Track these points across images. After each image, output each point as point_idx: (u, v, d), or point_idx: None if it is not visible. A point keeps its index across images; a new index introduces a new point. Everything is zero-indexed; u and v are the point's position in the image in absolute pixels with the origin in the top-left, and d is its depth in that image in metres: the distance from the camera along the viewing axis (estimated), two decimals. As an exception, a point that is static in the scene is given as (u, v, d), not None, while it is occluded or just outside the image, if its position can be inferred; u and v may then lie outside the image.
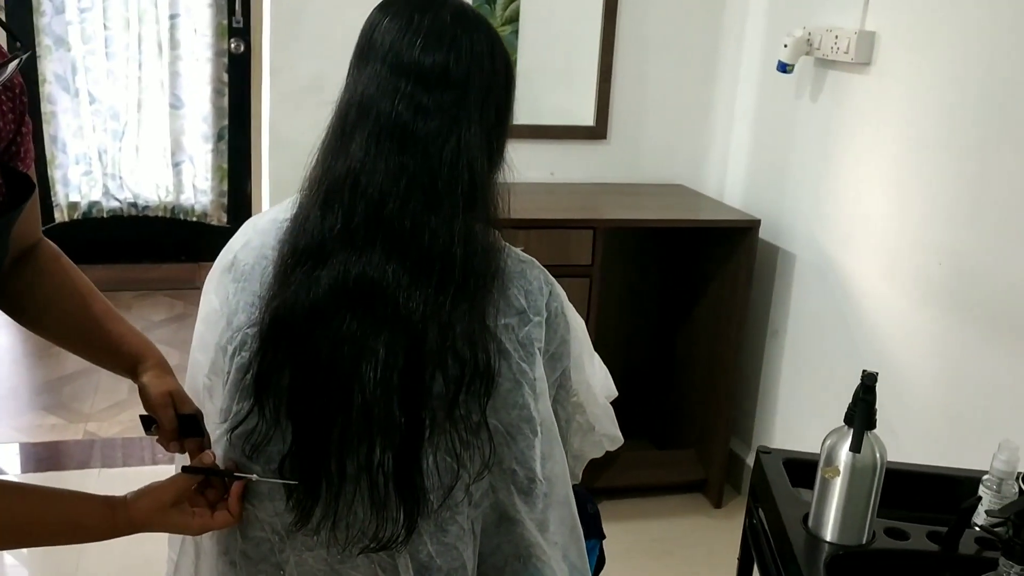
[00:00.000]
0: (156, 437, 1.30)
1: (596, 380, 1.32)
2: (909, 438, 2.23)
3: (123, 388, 3.49)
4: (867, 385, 1.11)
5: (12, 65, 0.88)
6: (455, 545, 1.16)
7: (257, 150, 4.72)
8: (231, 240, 1.29)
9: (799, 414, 2.81)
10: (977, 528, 1.25)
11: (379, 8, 1.19)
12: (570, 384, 1.27)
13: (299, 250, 1.14)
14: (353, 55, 1.20)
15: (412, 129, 1.12)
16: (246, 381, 1.16)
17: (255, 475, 1.14)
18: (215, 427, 1.22)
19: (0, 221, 1.00)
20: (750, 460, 3.02)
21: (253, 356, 1.15)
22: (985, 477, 1.31)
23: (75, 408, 3.34)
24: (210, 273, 1.30)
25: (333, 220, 1.12)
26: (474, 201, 1.14)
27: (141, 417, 1.31)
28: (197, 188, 4.69)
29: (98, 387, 3.48)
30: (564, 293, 1.25)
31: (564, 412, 1.28)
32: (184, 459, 1.28)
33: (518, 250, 1.23)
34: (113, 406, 3.38)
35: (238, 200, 4.75)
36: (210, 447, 1.24)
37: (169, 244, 4.76)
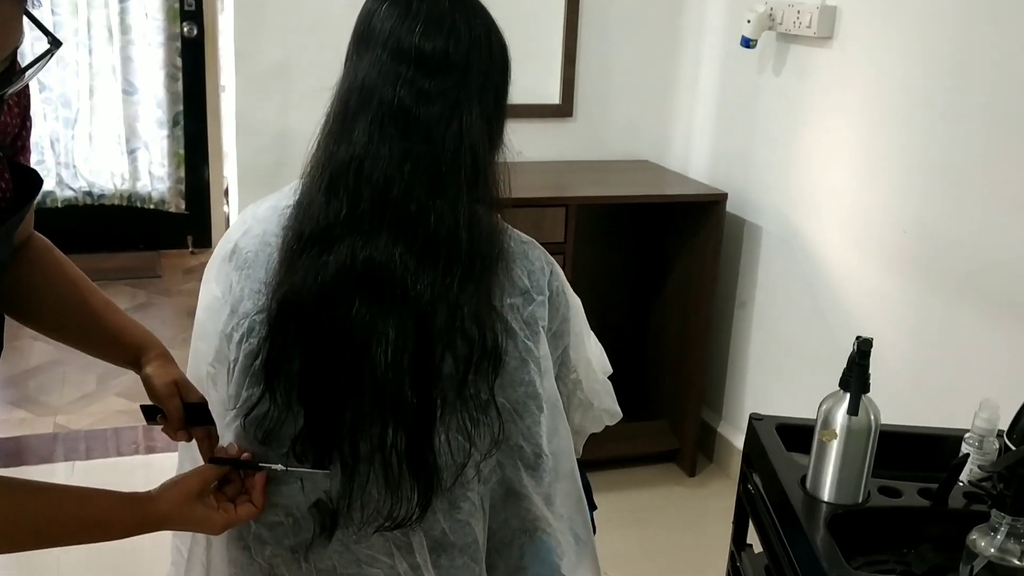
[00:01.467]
0: (161, 427, 1.30)
1: (594, 356, 1.36)
2: (878, 402, 2.30)
3: (91, 380, 3.46)
4: (863, 351, 1.16)
5: (45, 59, 0.88)
6: (468, 521, 1.18)
7: (215, 135, 4.69)
8: (229, 229, 1.29)
9: (768, 383, 2.88)
10: (963, 484, 1.30)
11: (375, -6, 1.20)
12: (571, 361, 1.30)
13: (304, 236, 1.15)
14: (351, 41, 1.20)
15: (414, 114, 1.13)
16: (255, 367, 1.17)
17: (280, 465, 1.14)
18: (222, 415, 1.23)
19: (11, 219, 0.99)
20: (721, 429, 3.09)
21: (262, 342, 1.16)
22: (967, 435, 1.36)
23: (43, 401, 3.30)
24: (210, 262, 1.30)
25: (338, 205, 1.13)
26: (476, 184, 1.16)
27: (144, 407, 1.31)
28: (153, 175, 4.63)
29: (65, 380, 3.44)
30: (562, 272, 1.28)
31: (565, 389, 1.31)
32: (192, 447, 1.28)
33: (518, 231, 1.26)
34: (82, 398, 3.34)
35: (196, 186, 4.70)
36: (217, 435, 1.25)
37: (127, 233, 4.70)
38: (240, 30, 2.72)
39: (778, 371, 2.82)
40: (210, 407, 1.27)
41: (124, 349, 1.30)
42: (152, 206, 4.66)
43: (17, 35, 0.81)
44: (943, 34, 2.13)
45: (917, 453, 1.46)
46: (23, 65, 0.89)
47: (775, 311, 2.81)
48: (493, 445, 1.17)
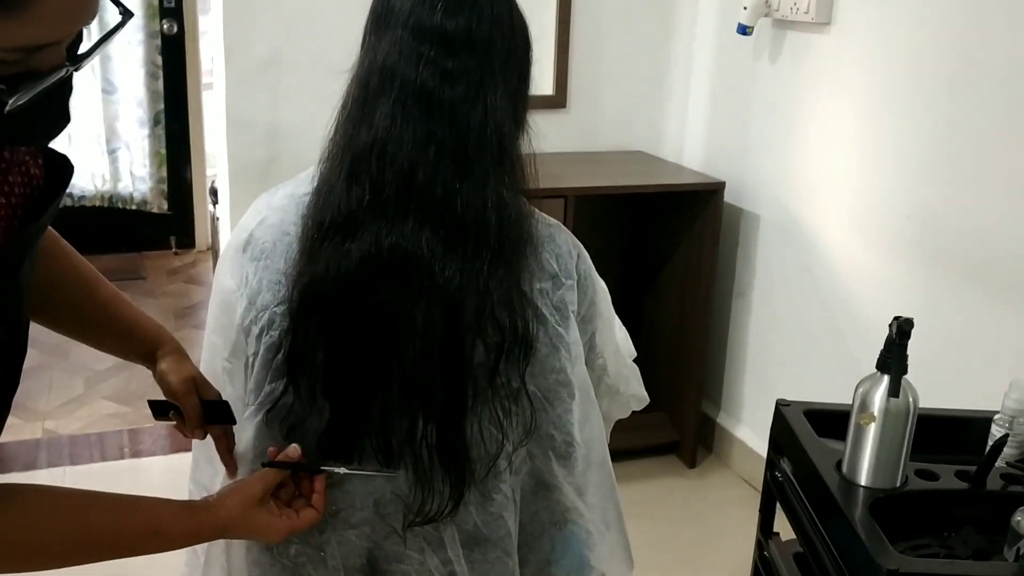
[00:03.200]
0: (173, 423, 1.26)
1: (620, 341, 1.33)
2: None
3: (78, 384, 3.39)
4: (903, 331, 1.14)
5: (118, 31, 0.84)
6: (500, 514, 1.15)
7: (197, 134, 4.62)
8: (243, 219, 1.25)
9: (768, 373, 2.87)
10: (997, 465, 1.29)
11: (393, -26, 1.16)
12: (598, 346, 1.27)
13: (326, 224, 1.11)
14: (368, 22, 1.16)
15: (438, 95, 1.10)
16: (278, 360, 1.13)
17: (343, 468, 1.09)
18: (240, 410, 1.19)
19: (47, 208, 0.94)
20: (721, 420, 3.08)
21: (283, 334, 1.12)
22: (996, 416, 1.35)
23: (30, 407, 3.23)
24: (222, 255, 1.26)
25: (361, 191, 1.10)
26: (503, 166, 1.13)
27: (153, 403, 1.26)
28: (135, 175, 4.55)
29: (52, 384, 3.37)
30: (588, 256, 1.25)
31: (592, 375, 1.27)
32: (206, 445, 1.24)
33: (544, 214, 1.22)
34: (69, 402, 3.27)
35: (178, 186, 4.63)
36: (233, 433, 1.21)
37: (109, 234, 4.61)
38: (229, 24, 2.66)
39: (778, 361, 2.81)
40: (232, 404, 1.22)
41: (137, 343, 1.25)
42: (134, 207, 4.58)
43: (97, 7, 0.77)
44: (942, 17, 2.12)
45: (944, 436, 1.44)
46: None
47: (774, 300, 2.79)
48: (525, 435, 1.14)
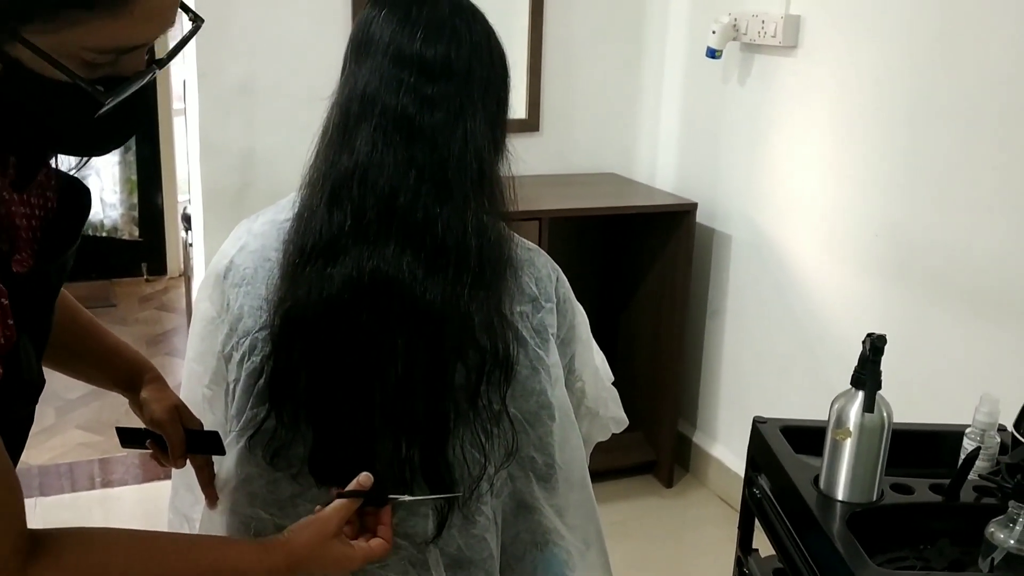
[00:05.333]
0: (148, 452, 1.25)
1: (599, 364, 1.34)
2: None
3: (49, 414, 3.35)
4: (876, 347, 1.16)
5: (191, 38, 0.86)
6: (483, 536, 1.16)
7: (168, 160, 4.60)
8: (223, 246, 1.26)
9: (742, 391, 2.89)
10: (970, 478, 1.31)
11: (373, 2, 1.18)
12: (577, 369, 1.28)
13: (307, 249, 1.12)
14: (348, 50, 1.18)
15: (419, 121, 1.11)
16: (260, 386, 1.13)
17: (407, 496, 1.08)
18: (222, 436, 1.19)
19: (69, 244, 0.92)
20: (697, 439, 3.10)
21: (265, 360, 1.13)
22: (968, 430, 1.37)
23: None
24: (202, 282, 1.26)
25: (342, 216, 1.11)
26: (483, 191, 1.14)
27: (124, 430, 1.25)
28: (106, 202, 4.53)
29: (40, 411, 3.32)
30: (567, 279, 1.26)
31: (572, 397, 1.29)
32: (185, 474, 1.24)
33: (523, 238, 1.24)
34: (40, 432, 3.23)
35: (149, 212, 4.61)
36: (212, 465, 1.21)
37: (79, 261, 4.53)
38: (202, 49, 2.67)
39: (753, 378, 2.83)
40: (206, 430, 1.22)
41: (116, 371, 1.24)
42: (105, 233, 4.55)
43: (175, 15, 0.79)
44: (905, 39, 2.17)
45: (917, 450, 1.46)
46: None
47: (747, 319, 2.83)
48: (507, 457, 1.15)
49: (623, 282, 3.14)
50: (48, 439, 3.20)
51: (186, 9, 0.89)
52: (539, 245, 2.58)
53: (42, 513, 2.83)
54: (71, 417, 3.32)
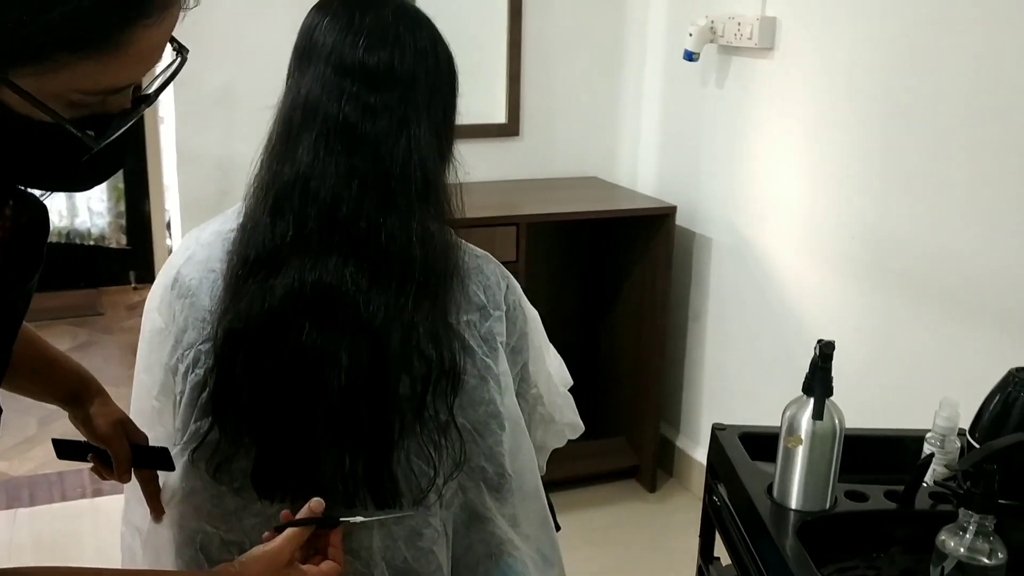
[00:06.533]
0: (89, 466, 1.23)
1: (554, 369, 1.33)
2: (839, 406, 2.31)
3: (31, 424, 3.34)
4: (825, 354, 1.15)
5: (178, 70, 0.84)
6: (431, 548, 1.15)
7: (155, 168, 4.59)
8: (172, 256, 1.25)
9: (725, 394, 2.88)
10: (927, 484, 1.30)
11: (317, 8, 1.17)
12: (530, 376, 1.27)
13: (250, 260, 1.11)
14: (292, 57, 1.17)
15: (361, 130, 1.10)
16: (203, 399, 1.13)
17: (359, 516, 1.07)
18: (169, 449, 1.18)
19: (40, 254, 0.90)
20: (680, 443, 3.08)
21: (208, 373, 1.12)
22: (928, 435, 1.36)
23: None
24: (151, 291, 1.26)
25: (285, 227, 1.10)
26: (428, 199, 1.14)
27: (62, 443, 1.23)
28: (92, 210, 4.53)
29: (5, 425, 3.31)
30: (519, 286, 1.25)
31: (526, 405, 1.28)
32: (138, 485, 1.23)
33: (472, 246, 1.23)
34: (22, 443, 3.23)
35: (137, 220, 4.60)
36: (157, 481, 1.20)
37: (67, 270, 4.57)
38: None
39: (735, 381, 2.82)
40: (154, 443, 1.21)
41: (59, 385, 1.22)
42: (92, 242, 4.55)
43: (163, 52, 0.77)
44: (880, 40, 2.16)
45: (878, 456, 1.45)
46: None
47: (729, 321, 2.81)
48: (455, 467, 1.14)
49: (605, 286, 3.13)
50: (30, 449, 3.19)
51: (172, 40, 0.87)
52: (517, 250, 2.61)
53: (31, 523, 2.83)
54: (53, 428, 3.30)
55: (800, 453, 1.18)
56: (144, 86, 0.84)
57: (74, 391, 1.21)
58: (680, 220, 2.85)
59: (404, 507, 1.12)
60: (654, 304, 2.88)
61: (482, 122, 3.00)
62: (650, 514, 2.94)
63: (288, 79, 1.17)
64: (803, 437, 1.17)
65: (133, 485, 1.25)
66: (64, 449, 1.21)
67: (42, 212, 0.92)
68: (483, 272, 1.20)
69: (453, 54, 1.20)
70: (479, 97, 3.01)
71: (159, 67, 0.85)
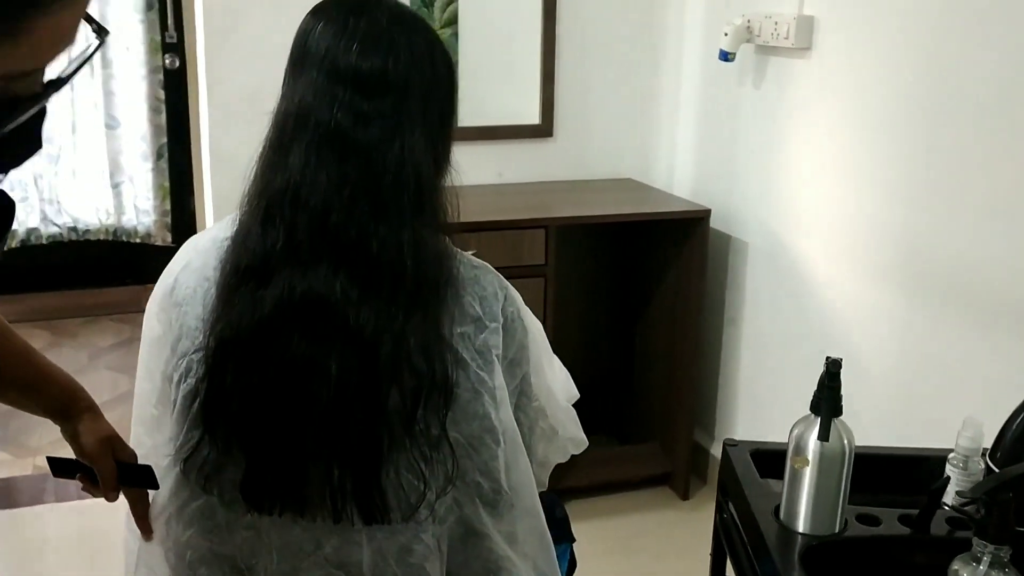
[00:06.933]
0: (80, 486, 1.22)
1: (557, 383, 1.30)
2: (872, 420, 2.23)
3: (73, 418, 3.39)
4: (832, 372, 1.10)
5: (93, 53, 0.82)
6: (422, 565, 1.12)
7: (199, 167, 4.63)
8: (171, 262, 1.25)
9: (761, 401, 2.81)
10: (947, 508, 1.24)
11: (312, 13, 1.15)
12: (531, 389, 1.24)
13: (241, 269, 1.10)
14: (288, 63, 1.16)
15: (352, 137, 1.08)
16: (194, 409, 1.12)
17: None
18: (163, 459, 1.18)
19: None
20: (715, 450, 3.02)
21: (199, 382, 1.11)
22: (951, 455, 1.30)
23: (22, 442, 3.24)
24: (151, 297, 1.25)
25: (275, 236, 1.09)
26: (422, 208, 1.11)
27: (54, 460, 1.22)
28: (139, 208, 4.59)
29: (45, 420, 3.37)
30: (520, 297, 1.22)
31: (527, 419, 1.25)
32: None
33: (470, 255, 1.20)
34: (60, 440, 3.27)
35: (182, 219, 4.65)
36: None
37: (113, 267, 4.64)
38: (210, 59, 2.68)
39: (770, 388, 2.75)
40: (155, 451, 1.21)
41: (49, 397, 1.21)
42: (138, 240, 4.61)
43: (76, 34, 0.75)
44: (923, 40, 2.08)
45: (900, 476, 1.39)
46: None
47: (764, 327, 2.75)
48: (448, 483, 1.11)
49: (638, 290, 3.08)
50: (67, 446, 3.23)
51: (90, 20, 0.85)
52: (546, 253, 2.57)
53: (57, 519, 2.88)
54: (93, 423, 3.36)
55: (807, 474, 1.14)
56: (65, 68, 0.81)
57: (63, 406, 1.20)
58: (715, 223, 2.79)
59: (394, 522, 1.10)
60: (688, 309, 2.82)
61: (515, 123, 2.97)
62: (682, 522, 2.89)
63: (283, 86, 1.16)
64: (810, 458, 1.12)
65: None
66: (57, 466, 1.21)
67: (7, 205, 0.91)
68: (479, 283, 1.17)
69: (452, 58, 1.17)
70: (512, 97, 2.98)
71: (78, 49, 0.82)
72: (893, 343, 2.20)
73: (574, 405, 1.36)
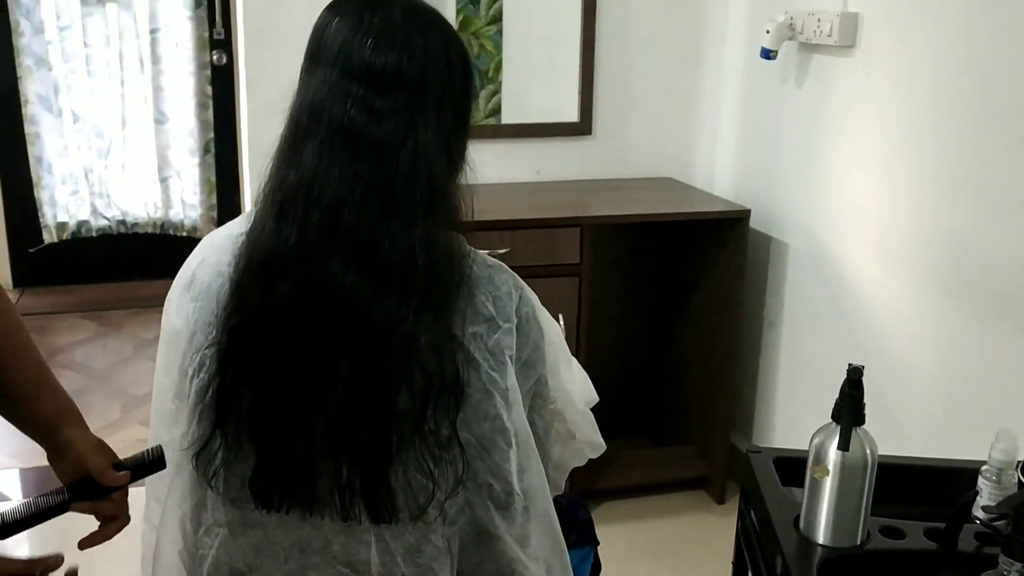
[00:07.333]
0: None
1: (574, 386, 1.28)
2: (911, 427, 2.18)
3: (115, 410, 3.46)
4: (853, 380, 1.06)
5: None
6: (431, 566, 1.11)
7: (245, 161, 4.69)
8: (189, 257, 1.25)
9: (800, 405, 2.76)
10: (977, 522, 1.19)
11: (328, 8, 1.15)
12: (547, 391, 1.22)
13: (255, 265, 1.10)
14: (304, 59, 1.15)
15: (365, 134, 1.07)
16: (206, 404, 1.12)
17: None
18: (175, 453, 1.18)
19: None
20: (752, 454, 2.97)
21: (211, 378, 1.11)
22: (984, 468, 1.26)
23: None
24: (170, 293, 1.25)
25: (288, 232, 1.08)
26: (435, 206, 1.10)
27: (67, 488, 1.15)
28: (186, 202, 4.66)
29: (89, 409, 3.43)
30: (536, 297, 1.20)
31: (542, 421, 1.23)
32: (155, 484, 1.23)
33: (484, 254, 1.18)
34: (105, 427, 3.34)
35: (228, 213, 4.71)
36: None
37: (160, 260, 4.69)
38: (249, 56, 2.70)
39: (809, 392, 2.70)
40: (171, 445, 1.21)
41: (38, 413, 1.16)
42: (185, 233, 4.68)
43: None
44: (967, 39, 2.02)
45: (933, 488, 1.35)
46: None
47: (804, 330, 2.69)
48: (457, 484, 1.10)
49: (675, 291, 3.04)
50: (111, 434, 3.29)
51: None
52: (580, 253, 2.54)
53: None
54: (135, 414, 3.42)
55: (827, 484, 1.10)
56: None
57: (59, 415, 1.18)
58: (755, 224, 2.74)
59: (402, 521, 1.09)
60: (726, 310, 2.77)
61: (554, 120, 2.95)
62: (717, 527, 2.84)
63: (299, 82, 1.15)
64: (830, 468, 1.08)
65: (151, 485, 1.26)
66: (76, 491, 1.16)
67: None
68: (493, 282, 1.15)
69: (469, 55, 1.16)
70: (552, 95, 2.96)
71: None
72: (936, 350, 2.14)
73: (599, 406, 1.34)
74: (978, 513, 1.19)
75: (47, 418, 1.16)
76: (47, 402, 1.17)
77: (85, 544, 1.12)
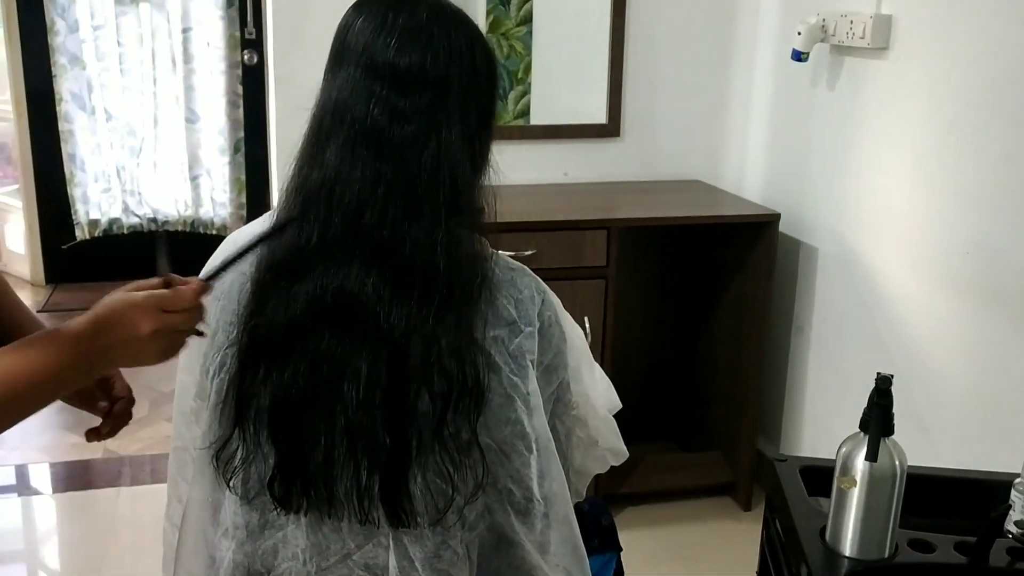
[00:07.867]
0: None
1: (597, 392, 1.26)
2: (942, 438, 2.14)
3: (143, 404, 3.48)
4: (881, 389, 1.04)
5: None
6: (449, 571, 1.10)
7: (273, 161, 4.71)
8: (211, 257, 1.25)
9: (828, 412, 2.72)
10: (1010, 536, 1.17)
11: (353, 8, 1.14)
12: (569, 397, 1.21)
13: (276, 265, 1.09)
14: (328, 58, 1.15)
15: (388, 134, 1.07)
16: (226, 403, 1.11)
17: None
18: (195, 451, 1.18)
19: None
20: (779, 461, 2.94)
21: (232, 377, 1.11)
22: (1017, 481, 1.22)
23: (95, 424, 3.32)
24: (193, 291, 1.25)
25: (310, 232, 1.08)
26: (457, 207, 1.09)
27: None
28: (216, 201, 4.68)
29: (117, 404, 3.47)
30: (558, 301, 1.19)
31: (563, 426, 1.22)
32: (176, 483, 1.23)
33: (508, 257, 1.17)
34: (133, 423, 3.35)
35: (257, 212, 4.70)
36: None
37: (189, 258, 4.74)
38: (278, 56, 2.70)
39: (838, 399, 2.66)
40: (192, 444, 1.21)
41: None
42: (214, 231, 4.71)
43: None
44: (1002, 42, 1.98)
45: (965, 500, 1.32)
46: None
47: (833, 336, 2.65)
48: (477, 489, 1.09)
49: (703, 294, 3.01)
50: (139, 430, 3.32)
51: None
52: (608, 255, 2.52)
53: (126, 503, 2.95)
54: (163, 410, 3.44)
55: (855, 496, 1.08)
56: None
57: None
58: (785, 228, 2.71)
59: (421, 526, 1.08)
60: (754, 315, 2.74)
61: (582, 122, 2.93)
62: (742, 533, 2.81)
63: (323, 81, 1.15)
64: (857, 479, 1.06)
65: (173, 484, 1.26)
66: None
67: None
68: (515, 285, 1.14)
69: (495, 55, 1.15)
70: (579, 97, 2.94)
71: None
72: (968, 360, 2.10)
73: (624, 410, 1.33)
74: (1010, 527, 1.16)
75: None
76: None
77: None
